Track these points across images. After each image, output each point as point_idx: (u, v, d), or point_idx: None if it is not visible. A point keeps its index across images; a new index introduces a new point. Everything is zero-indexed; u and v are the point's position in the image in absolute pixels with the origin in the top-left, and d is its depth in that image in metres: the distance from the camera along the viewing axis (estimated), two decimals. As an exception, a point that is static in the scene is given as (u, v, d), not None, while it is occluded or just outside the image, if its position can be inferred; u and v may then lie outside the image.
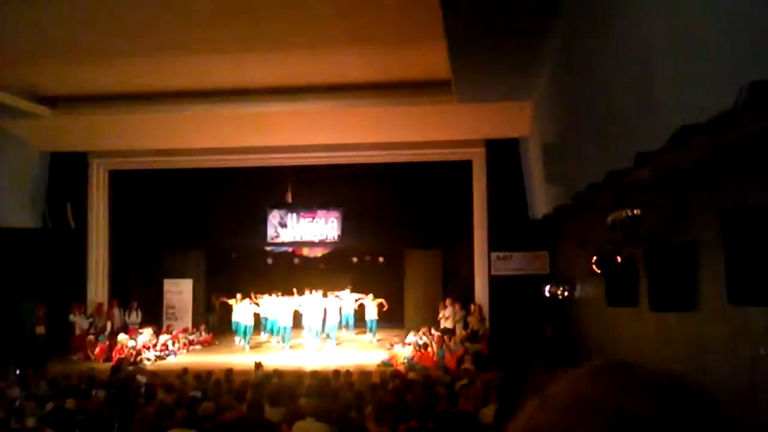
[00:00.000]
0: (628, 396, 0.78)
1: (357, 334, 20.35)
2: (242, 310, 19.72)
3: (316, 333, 19.16)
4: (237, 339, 19.77)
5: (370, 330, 20.02)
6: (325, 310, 19.61)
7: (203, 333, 19.79)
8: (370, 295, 19.97)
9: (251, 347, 19.13)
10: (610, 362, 0.86)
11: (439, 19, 9.37)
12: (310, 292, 19.83)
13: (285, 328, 19.35)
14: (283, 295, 20.05)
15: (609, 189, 8.66)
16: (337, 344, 19.08)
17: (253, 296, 19.98)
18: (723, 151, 5.38)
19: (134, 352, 16.78)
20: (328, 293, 20.07)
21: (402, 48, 12.86)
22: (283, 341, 19.03)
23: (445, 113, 15.31)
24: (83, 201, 18.83)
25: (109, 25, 11.66)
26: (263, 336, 20.14)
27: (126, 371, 13.90)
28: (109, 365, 15.15)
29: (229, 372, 12.58)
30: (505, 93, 13.55)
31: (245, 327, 19.53)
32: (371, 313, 19.92)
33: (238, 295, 19.99)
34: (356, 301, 20.11)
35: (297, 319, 19.77)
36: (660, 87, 5.66)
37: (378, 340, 19.52)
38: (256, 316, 19.75)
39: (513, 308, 16.46)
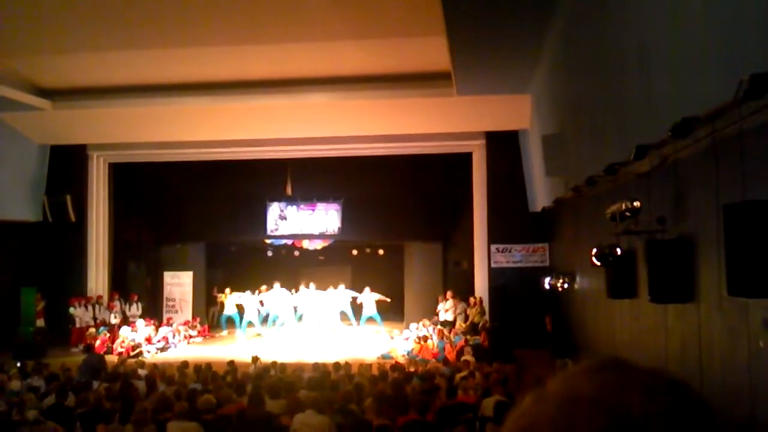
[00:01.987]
0: (626, 392, 0.79)
1: (349, 325, 20.41)
2: (232, 304, 20.05)
3: (316, 325, 19.39)
4: (226, 332, 20.23)
5: (377, 322, 19.99)
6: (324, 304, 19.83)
7: (198, 326, 19.84)
8: (367, 289, 20.00)
9: (248, 338, 19.46)
10: (608, 358, 0.86)
11: (439, 12, 9.36)
12: (306, 287, 20.04)
13: (283, 319, 19.68)
14: (282, 286, 20.26)
15: (608, 181, 8.67)
16: (337, 336, 19.15)
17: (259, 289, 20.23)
18: (723, 143, 5.37)
19: (134, 345, 16.80)
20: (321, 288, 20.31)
21: (402, 40, 12.85)
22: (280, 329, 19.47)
23: (445, 105, 15.30)
24: (83, 194, 18.82)
25: (109, 17, 11.64)
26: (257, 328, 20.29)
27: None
28: (109, 357, 15.20)
29: (231, 363, 12.62)
30: (504, 85, 13.54)
31: (238, 318, 19.92)
32: (370, 308, 19.92)
33: (227, 290, 20.21)
34: (353, 298, 20.19)
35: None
36: (660, 79, 5.66)
37: (377, 332, 19.52)
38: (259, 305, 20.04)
39: (513, 300, 16.48)
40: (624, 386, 0.80)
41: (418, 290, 20.67)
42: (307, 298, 19.95)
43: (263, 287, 20.27)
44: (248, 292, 20.03)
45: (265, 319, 20.10)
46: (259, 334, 19.67)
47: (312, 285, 20.18)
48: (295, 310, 20.06)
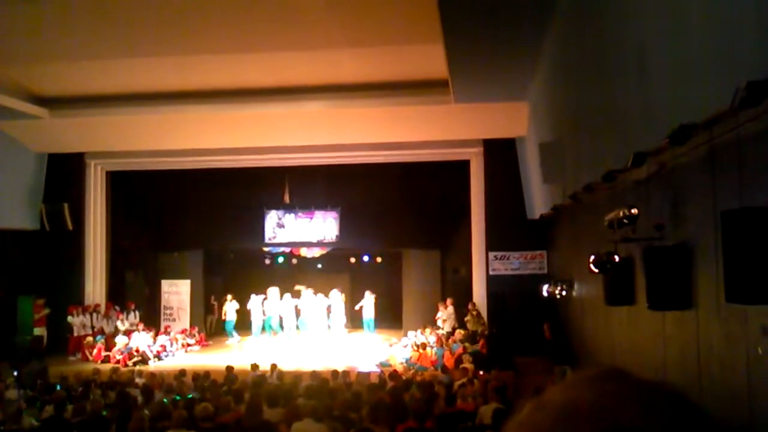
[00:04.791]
0: (625, 404, 0.78)
1: (350, 332, 20.45)
2: (233, 309, 20.27)
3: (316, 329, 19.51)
4: (229, 339, 20.22)
5: (368, 328, 20.09)
6: (328, 308, 19.95)
7: (196, 335, 19.79)
8: (366, 292, 20.19)
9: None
10: (608, 368, 0.86)
11: (436, 20, 9.38)
12: (307, 289, 20.18)
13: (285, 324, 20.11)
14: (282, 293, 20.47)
15: (606, 188, 8.67)
16: (334, 342, 19.18)
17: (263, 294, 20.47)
18: (720, 150, 5.38)
19: (131, 353, 16.74)
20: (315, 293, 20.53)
21: (399, 48, 12.87)
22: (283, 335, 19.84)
23: (443, 113, 15.31)
24: (80, 202, 18.80)
25: (106, 26, 11.66)
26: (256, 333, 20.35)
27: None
28: (107, 366, 15.15)
29: (230, 369, 12.60)
30: (502, 93, 13.55)
31: (233, 323, 20.24)
32: (368, 312, 20.03)
33: (229, 296, 20.34)
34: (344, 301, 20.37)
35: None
36: (657, 86, 5.66)
37: (376, 340, 19.56)
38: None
39: (511, 308, 16.46)
40: (623, 397, 0.79)
41: (417, 298, 20.66)
42: (308, 304, 20.08)
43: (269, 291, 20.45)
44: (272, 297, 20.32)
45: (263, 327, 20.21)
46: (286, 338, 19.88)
47: (310, 290, 20.32)
48: (297, 316, 20.24)
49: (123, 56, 13.09)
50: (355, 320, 20.53)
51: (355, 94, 15.01)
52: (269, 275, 22.63)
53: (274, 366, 12.87)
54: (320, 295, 20.41)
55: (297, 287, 20.45)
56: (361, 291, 20.75)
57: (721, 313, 5.52)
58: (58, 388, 11.32)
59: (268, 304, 20.24)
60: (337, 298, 20.31)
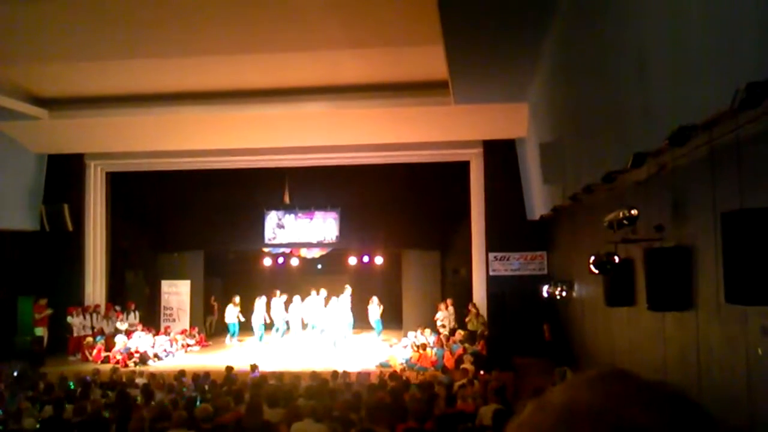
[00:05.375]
0: (628, 404, 0.78)
1: (355, 334, 20.43)
2: (233, 312, 20.23)
3: (321, 331, 19.54)
4: (227, 338, 20.24)
5: (376, 330, 20.08)
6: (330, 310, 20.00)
7: (196, 335, 19.78)
8: (375, 298, 20.18)
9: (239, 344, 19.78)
10: (609, 369, 0.86)
11: (436, 21, 9.38)
12: (317, 293, 20.21)
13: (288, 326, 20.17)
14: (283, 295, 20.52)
15: (606, 189, 8.67)
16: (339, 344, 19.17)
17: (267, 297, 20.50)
18: (720, 151, 5.39)
19: (131, 354, 16.75)
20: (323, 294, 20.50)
21: (399, 49, 12.86)
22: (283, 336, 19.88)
23: (443, 114, 15.30)
24: (80, 203, 18.81)
25: (106, 27, 11.65)
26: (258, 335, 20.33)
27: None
28: (107, 366, 15.15)
29: (230, 369, 12.60)
30: (501, 94, 13.54)
31: (235, 326, 20.22)
32: (375, 314, 20.03)
33: (237, 298, 20.28)
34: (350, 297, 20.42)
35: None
36: (657, 87, 5.66)
37: (376, 340, 19.57)
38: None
39: (511, 308, 16.46)
40: (625, 398, 0.79)
41: (416, 298, 20.66)
42: (314, 307, 20.10)
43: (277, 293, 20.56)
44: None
45: (269, 327, 20.25)
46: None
47: (323, 291, 20.34)
48: (302, 320, 20.26)
49: (123, 57, 13.08)
50: (357, 321, 20.49)
51: (355, 95, 15.00)
52: (269, 276, 22.64)
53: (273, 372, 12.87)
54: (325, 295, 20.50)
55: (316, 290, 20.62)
56: (360, 291, 20.72)
57: (721, 313, 5.52)
58: (57, 388, 11.34)
59: (274, 306, 20.23)
60: (347, 297, 20.28)
